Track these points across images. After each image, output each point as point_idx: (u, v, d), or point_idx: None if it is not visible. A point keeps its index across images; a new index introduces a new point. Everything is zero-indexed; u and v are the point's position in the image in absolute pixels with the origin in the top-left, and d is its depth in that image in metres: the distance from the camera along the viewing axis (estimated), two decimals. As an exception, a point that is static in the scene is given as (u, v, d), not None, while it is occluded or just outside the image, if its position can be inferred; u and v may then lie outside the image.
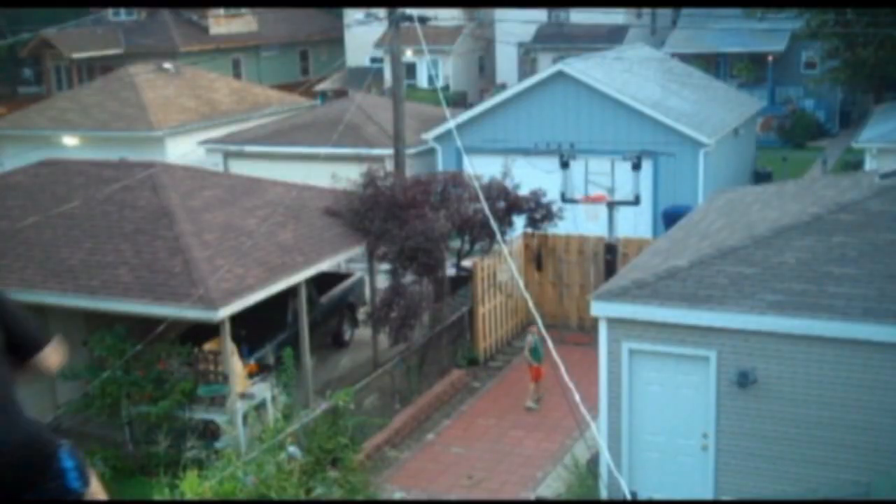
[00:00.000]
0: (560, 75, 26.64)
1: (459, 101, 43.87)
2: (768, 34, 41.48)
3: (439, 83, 44.37)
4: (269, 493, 12.29)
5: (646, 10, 48.22)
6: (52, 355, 4.05)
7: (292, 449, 13.37)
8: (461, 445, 16.30)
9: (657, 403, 13.12)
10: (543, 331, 12.02)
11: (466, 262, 20.39)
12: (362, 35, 47.03)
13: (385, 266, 19.17)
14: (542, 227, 20.64)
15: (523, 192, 20.04)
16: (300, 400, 16.57)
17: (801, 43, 40.66)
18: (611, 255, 20.10)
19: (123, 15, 52.79)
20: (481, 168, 19.85)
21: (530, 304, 14.74)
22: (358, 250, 18.92)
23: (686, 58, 39.89)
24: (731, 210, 15.78)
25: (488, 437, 16.55)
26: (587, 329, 19.97)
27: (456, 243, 20.02)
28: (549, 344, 13.44)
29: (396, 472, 15.47)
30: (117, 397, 15.85)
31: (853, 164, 30.34)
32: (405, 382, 17.96)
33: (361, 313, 20.70)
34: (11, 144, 31.11)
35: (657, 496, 13.24)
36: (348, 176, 19.45)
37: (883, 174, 14.55)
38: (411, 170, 24.27)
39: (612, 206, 20.06)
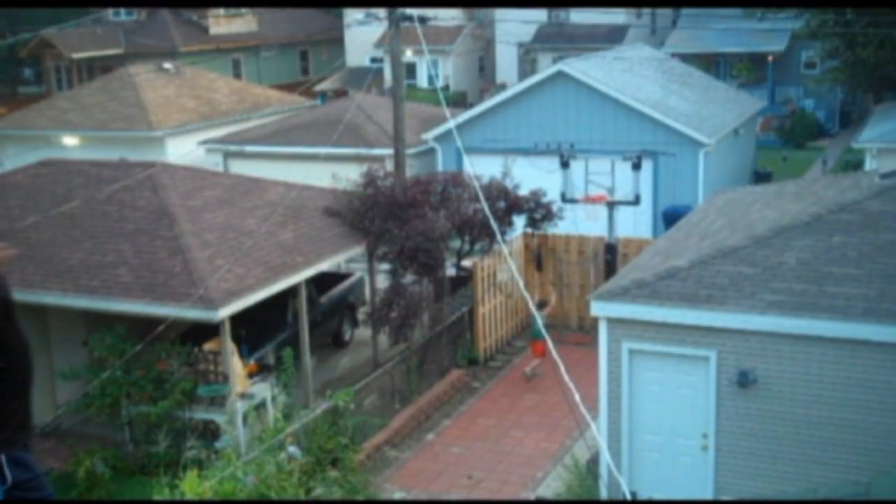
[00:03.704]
0: (560, 75, 26.64)
1: (459, 101, 43.89)
2: (768, 34, 41.51)
3: (439, 83, 44.39)
4: (269, 493, 12.29)
5: (646, 10, 48.24)
6: None
7: (292, 449, 13.38)
8: (461, 445, 16.30)
9: (657, 403, 13.12)
10: (535, 311, 12.03)
11: (466, 262, 20.39)
12: (362, 35, 47.07)
13: (385, 266, 19.17)
14: (542, 227, 20.65)
15: (523, 192, 20.04)
16: (300, 400, 16.56)
17: (801, 43, 40.68)
18: (611, 255, 20.11)
19: (123, 15, 52.80)
20: (481, 168, 19.85)
21: (530, 304, 14.76)
22: (358, 250, 18.92)
23: (686, 58, 39.92)
24: (731, 210, 15.79)
25: (488, 437, 16.56)
26: (587, 329, 19.99)
27: (456, 243, 20.02)
28: (550, 344, 13.46)
29: (396, 472, 15.47)
30: (117, 397, 15.85)
31: (853, 164, 30.33)
32: (405, 382, 17.96)
33: (361, 313, 20.70)
34: (11, 144, 31.11)
35: (657, 496, 13.24)
36: (348, 176, 19.46)
37: (883, 174, 14.55)
38: (411, 170, 24.28)
39: (612, 206, 20.07)
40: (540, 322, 18.29)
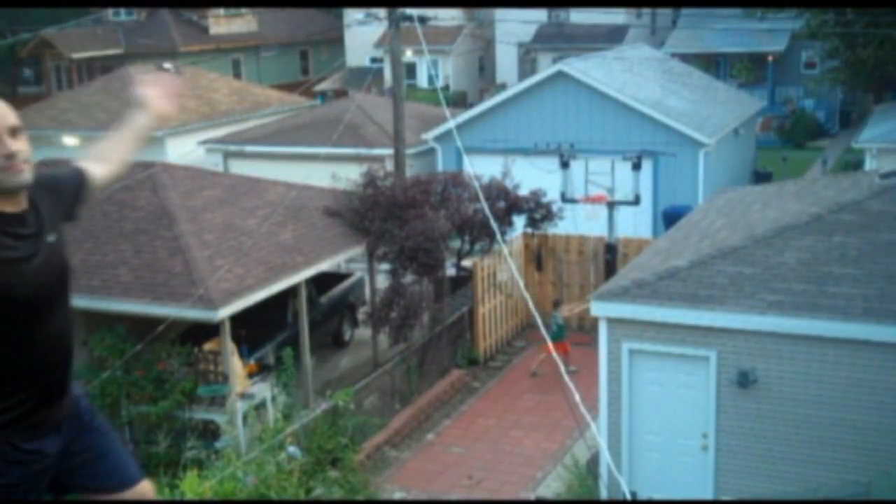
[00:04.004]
0: (560, 75, 26.64)
1: (459, 101, 43.87)
2: (768, 34, 41.48)
3: (439, 83, 44.35)
4: (269, 493, 12.29)
5: (646, 10, 48.22)
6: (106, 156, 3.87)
7: (292, 449, 13.37)
8: (461, 445, 16.30)
9: (657, 403, 13.12)
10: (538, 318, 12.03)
11: (466, 262, 20.39)
12: (362, 35, 47.03)
13: (385, 266, 19.17)
14: (542, 227, 20.65)
15: (523, 192, 20.04)
16: (300, 400, 16.56)
17: (801, 43, 40.66)
18: (611, 255, 20.11)
19: (123, 15, 52.77)
20: (481, 168, 19.85)
21: (530, 304, 14.74)
22: (358, 250, 18.91)
23: (686, 58, 39.90)
24: (731, 210, 15.79)
25: (488, 437, 16.55)
26: (587, 329, 19.98)
27: (456, 243, 20.02)
28: (550, 344, 13.46)
29: (396, 472, 15.47)
30: (117, 397, 15.84)
31: (853, 164, 30.33)
32: (405, 382, 17.96)
33: (361, 313, 20.71)
34: (11, 144, 31.05)
35: (657, 496, 13.24)
36: (348, 176, 19.45)
37: (883, 174, 14.55)
38: (411, 170, 24.27)
39: (612, 206, 20.07)
40: (553, 324, 18.21)
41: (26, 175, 3.37)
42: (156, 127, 4.12)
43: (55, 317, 3.40)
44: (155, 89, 4.03)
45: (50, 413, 3.49)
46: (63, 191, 3.65)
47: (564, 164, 20.65)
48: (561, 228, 20.97)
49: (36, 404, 3.43)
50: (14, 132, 3.47)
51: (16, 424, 3.39)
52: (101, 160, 3.86)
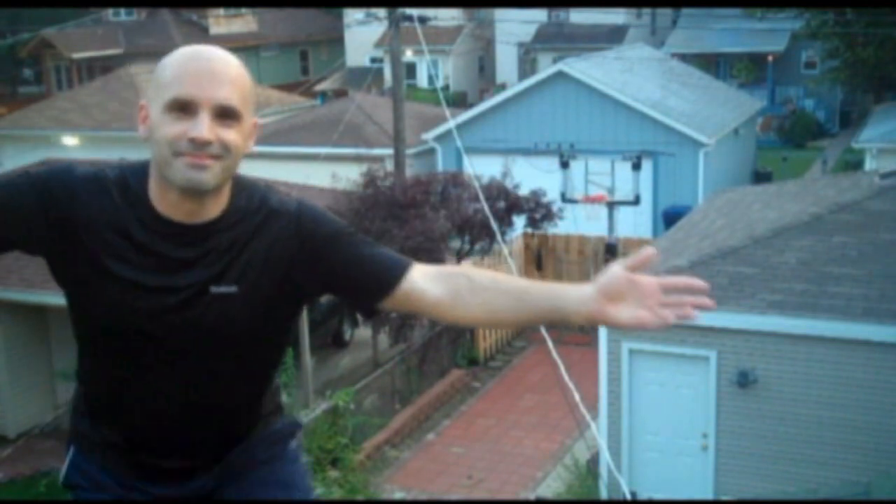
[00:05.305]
0: (560, 75, 26.64)
1: (459, 101, 43.87)
2: (768, 34, 41.49)
3: (439, 83, 44.35)
4: (269, 493, 12.28)
5: (646, 10, 48.23)
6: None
7: (292, 449, 13.36)
8: (461, 445, 16.30)
9: (657, 403, 13.13)
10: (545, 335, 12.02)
11: (466, 263, 20.39)
12: (362, 35, 47.07)
13: (385, 266, 19.16)
14: (542, 227, 20.65)
15: (523, 192, 20.05)
16: (300, 400, 16.57)
17: (801, 43, 40.67)
18: (611, 255, 20.12)
19: (123, 15, 52.79)
20: (481, 168, 19.85)
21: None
22: (358, 250, 18.89)
23: (686, 58, 39.90)
24: (731, 210, 15.79)
25: (488, 437, 16.56)
26: (587, 329, 19.98)
27: (456, 243, 20.02)
28: (550, 344, 13.43)
29: (396, 472, 15.47)
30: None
31: (853, 164, 30.34)
32: (405, 382, 17.97)
33: (361, 313, 20.67)
34: (11, 144, 31.11)
35: (657, 496, 13.24)
36: (348, 176, 19.44)
37: (883, 174, 14.56)
38: (411, 170, 24.28)
39: (612, 206, 20.08)
40: None
41: (206, 176, 2.42)
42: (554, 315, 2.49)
43: (168, 372, 2.51)
44: (646, 289, 2.36)
45: (152, 466, 2.67)
46: (334, 258, 2.53)
47: (564, 164, 20.66)
48: (561, 228, 20.96)
49: (125, 447, 2.69)
50: (225, 114, 2.44)
51: (109, 453, 2.73)
52: (456, 286, 2.45)
